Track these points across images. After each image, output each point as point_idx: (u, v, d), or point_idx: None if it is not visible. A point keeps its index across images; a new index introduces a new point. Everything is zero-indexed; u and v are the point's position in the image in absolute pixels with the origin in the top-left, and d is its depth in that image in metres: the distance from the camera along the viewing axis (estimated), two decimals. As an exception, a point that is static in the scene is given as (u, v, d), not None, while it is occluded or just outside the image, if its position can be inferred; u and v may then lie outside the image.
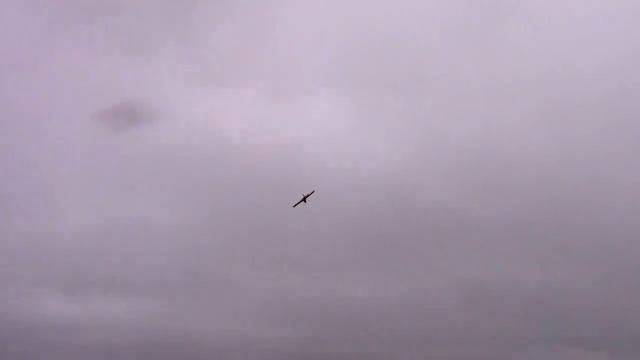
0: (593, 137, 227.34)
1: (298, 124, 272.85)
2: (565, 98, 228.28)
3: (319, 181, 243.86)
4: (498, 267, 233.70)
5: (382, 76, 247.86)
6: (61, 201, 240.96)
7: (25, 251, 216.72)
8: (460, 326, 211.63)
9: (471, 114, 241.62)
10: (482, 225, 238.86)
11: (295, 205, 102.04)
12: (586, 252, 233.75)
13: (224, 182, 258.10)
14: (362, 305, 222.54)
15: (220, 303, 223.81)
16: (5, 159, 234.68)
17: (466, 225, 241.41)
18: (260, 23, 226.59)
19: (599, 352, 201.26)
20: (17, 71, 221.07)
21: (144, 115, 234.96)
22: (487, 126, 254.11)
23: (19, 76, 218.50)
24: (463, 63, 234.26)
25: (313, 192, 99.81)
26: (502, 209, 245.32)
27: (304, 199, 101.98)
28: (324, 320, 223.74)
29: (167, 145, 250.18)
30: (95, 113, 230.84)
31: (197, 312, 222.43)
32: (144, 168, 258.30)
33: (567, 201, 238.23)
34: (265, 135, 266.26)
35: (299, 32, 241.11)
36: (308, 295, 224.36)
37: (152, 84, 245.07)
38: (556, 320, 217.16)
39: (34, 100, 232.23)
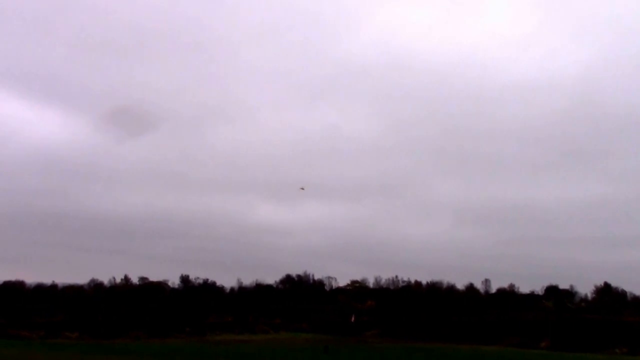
0: None
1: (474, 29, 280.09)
2: None
3: (501, 84, 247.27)
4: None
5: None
6: (259, 112, 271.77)
7: (234, 159, 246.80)
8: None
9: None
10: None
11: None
12: None
13: (409, 89, 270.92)
14: (552, 206, 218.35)
15: (411, 205, 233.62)
16: (205, 79, 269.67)
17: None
18: None
19: None
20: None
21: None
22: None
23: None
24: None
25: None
26: None
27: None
28: (513, 221, 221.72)
29: (355, 59, 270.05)
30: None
31: (389, 214, 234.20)
32: (334, 80, 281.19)
33: None
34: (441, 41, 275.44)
35: None
36: (497, 195, 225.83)
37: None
38: None
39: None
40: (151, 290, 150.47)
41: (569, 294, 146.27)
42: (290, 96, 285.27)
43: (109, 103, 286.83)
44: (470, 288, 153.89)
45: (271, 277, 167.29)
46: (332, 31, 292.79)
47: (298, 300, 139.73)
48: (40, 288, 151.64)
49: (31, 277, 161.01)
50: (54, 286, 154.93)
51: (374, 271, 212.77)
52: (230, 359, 63.65)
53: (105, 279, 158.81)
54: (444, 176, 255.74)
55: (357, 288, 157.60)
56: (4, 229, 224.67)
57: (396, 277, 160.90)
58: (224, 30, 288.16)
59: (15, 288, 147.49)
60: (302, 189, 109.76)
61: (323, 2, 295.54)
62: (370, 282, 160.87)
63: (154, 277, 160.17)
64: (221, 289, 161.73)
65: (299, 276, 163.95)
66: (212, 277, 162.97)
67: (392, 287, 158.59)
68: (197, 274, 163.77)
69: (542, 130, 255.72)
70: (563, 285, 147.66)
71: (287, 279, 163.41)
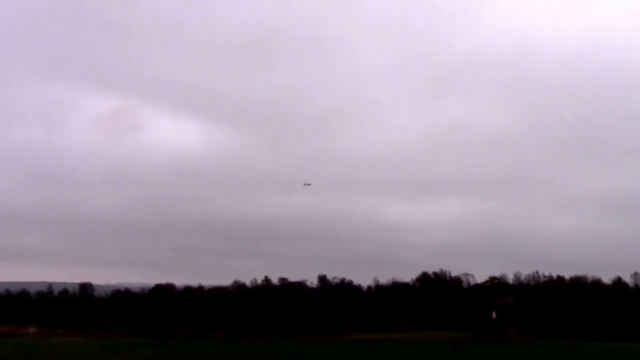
0: None
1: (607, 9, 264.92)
2: None
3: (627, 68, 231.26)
4: None
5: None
6: (384, 109, 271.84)
7: (362, 158, 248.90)
8: None
9: None
10: None
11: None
12: None
13: (540, 77, 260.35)
14: None
15: (547, 197, 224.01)
16: (329, 78, 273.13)
17: None
18: None
19: None
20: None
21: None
22: None
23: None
24: None
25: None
26: None
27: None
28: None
29: (480, 48, 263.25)
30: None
31: (525, 207, 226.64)
32: (459, 71, 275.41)
33: None
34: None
35: None
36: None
37: None
38: None
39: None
40: (291, 290, 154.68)
41: None
42: (414, 91, 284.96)
43: (241, 109, 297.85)
44: (618, 282, 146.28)
45: (407, 275, 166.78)
46: (454, 21, 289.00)
47: (436, 298, 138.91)
48: (188, 290, 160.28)
49: (180, 280, 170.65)
50: (200, 288, 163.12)
51: (513, 267, 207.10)
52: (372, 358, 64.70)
53: (247, 280, 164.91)
54: (581, 165, 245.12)
55: (496, 284, 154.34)
56: (154, 235, 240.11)
57: (537, 272, 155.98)
58: (346, 28, 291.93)
59: (165, 291, 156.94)
60: (309, 184, 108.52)
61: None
62: (510, 278, 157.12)
63: (293, 277, 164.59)
64: (358, 288, 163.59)
65: (435, 274, 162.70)
66: (348, 277, 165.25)
67: (532, 283, 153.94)
68: (334, 274, 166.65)
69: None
70: None
71: (424, 277, 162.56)
